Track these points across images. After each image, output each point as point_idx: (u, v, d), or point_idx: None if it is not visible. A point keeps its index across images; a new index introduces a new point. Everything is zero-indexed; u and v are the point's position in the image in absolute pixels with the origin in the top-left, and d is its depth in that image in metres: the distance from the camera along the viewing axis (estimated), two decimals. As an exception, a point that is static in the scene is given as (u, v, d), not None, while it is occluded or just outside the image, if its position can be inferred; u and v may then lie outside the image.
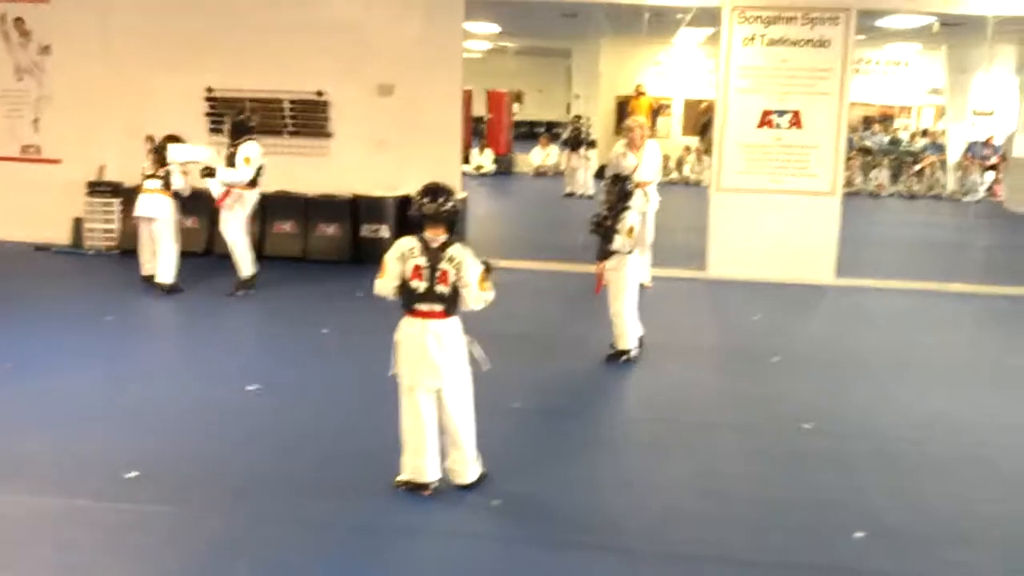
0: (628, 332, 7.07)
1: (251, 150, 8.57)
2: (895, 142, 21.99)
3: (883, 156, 20.62)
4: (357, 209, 10.47)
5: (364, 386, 6.17)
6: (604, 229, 6.92)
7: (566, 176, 18.32)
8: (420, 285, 4.61)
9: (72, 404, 5.88)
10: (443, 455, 4.78)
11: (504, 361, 6.93)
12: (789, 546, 4.40)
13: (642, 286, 9.56)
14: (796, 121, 10.15)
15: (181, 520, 4.44)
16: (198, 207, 9.71)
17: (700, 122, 19.86)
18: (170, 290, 8.66)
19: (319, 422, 5.76)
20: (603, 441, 5.66)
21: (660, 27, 17.33)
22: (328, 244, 10.45)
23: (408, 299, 4.64)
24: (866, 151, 20.80)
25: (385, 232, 10.32)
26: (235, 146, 8.57)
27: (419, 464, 4.70)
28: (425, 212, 4.64)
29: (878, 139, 22.06)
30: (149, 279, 8.77)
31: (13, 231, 10.82)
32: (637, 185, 9.39)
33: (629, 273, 7.05)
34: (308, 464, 5.13)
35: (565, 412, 6.14)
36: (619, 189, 6.95)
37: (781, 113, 10.17)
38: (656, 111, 20.98)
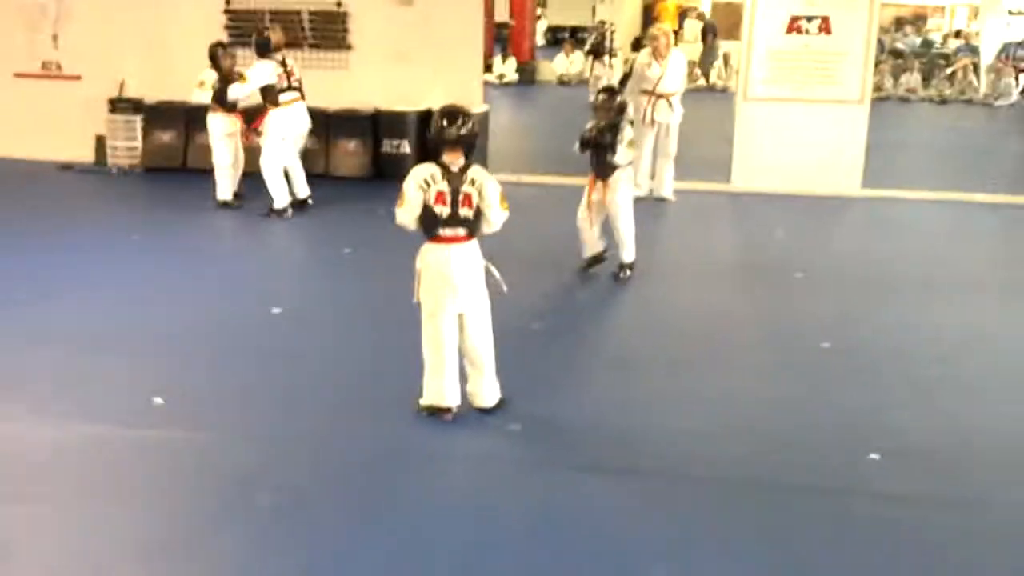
0: (632, 244, 7.09)
1: (254, 69, 8.41)
2: (927, 44, 21.45)
3: (914, 59, 20.12)
4: (378, 124, 10.38)
5: (387, 308, 6.20)
6: (603, 144, 6.82)
7: (590, 85, 17.81)
8: (443, 210, 4.59)
9: (98, 327, 5.95)
10: (464, 379, 4.84)
11: (524, 281, 6.98)
12: (803, 467, 4.42)
13: (665, 200, 9.58)
14: (825, 27, 9.89)
15: (205, 446, 4.53)
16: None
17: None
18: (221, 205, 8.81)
19: (342, 345, 5.82)
20: (622, 362, 5.68)
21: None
22: (349, 160, 10.40)
23: (431, 225, 4.63)
24: (897, 54, 20.30)
25: (406, 148, 10.25)
26: None
27: (440, 389, 4.76)
28: (445, 137, 4.59)
29: (910, 41, 21.51)
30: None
31: (36, 150, 10.83)
32: (660, 96, 9.30)
33: (629, 186, 7.09)
34: (330, 388, 5.20)
35: (585, 333, 6.17)
36: (617, 103, 6.84)
37: (810, 18, 9.91)
38: (683, 15, 20.52)
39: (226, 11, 10.61)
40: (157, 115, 10.61)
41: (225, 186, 8.86)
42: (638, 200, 9.49)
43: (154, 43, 10.40)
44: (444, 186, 4.58)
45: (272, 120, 8.50)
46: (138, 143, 10.63)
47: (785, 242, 8.39)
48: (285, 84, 8.45)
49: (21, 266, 7.17)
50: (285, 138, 8.57)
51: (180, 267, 7.43)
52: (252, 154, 8.88)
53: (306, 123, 8.72)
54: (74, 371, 5.30)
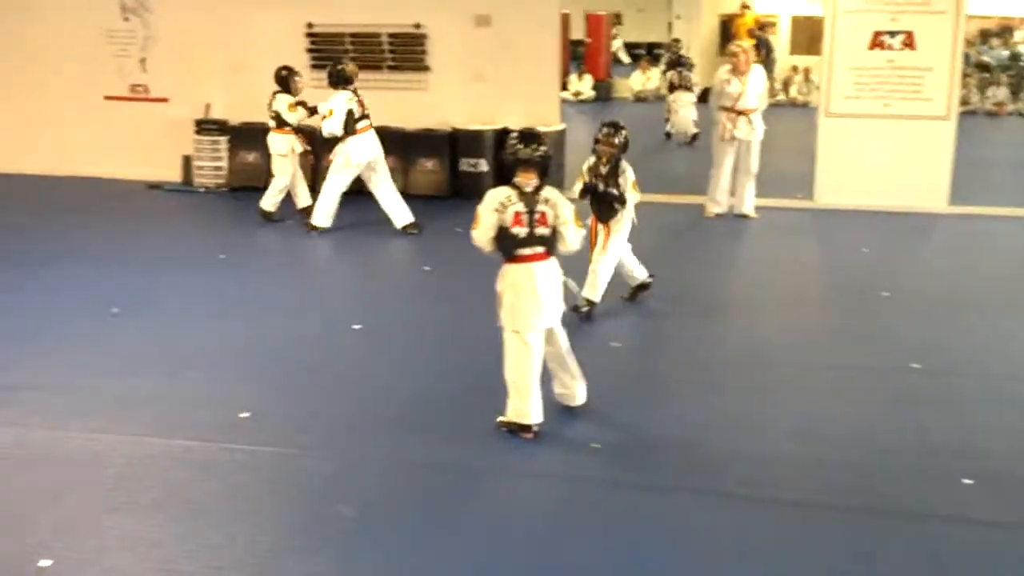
0: (604, 285, 6.51)
1: (335, 101, 8.57)
2: (1015, 56, 20.84)
3: (1001, 72, 19.58)
4: (456, 143, 10.46)
5: (465, 325, 6.26)
6: (607, 194, 6.41)
7: (667, 111, 16.89)
8: (521, 231, 4.67)
9: (186, 342, 6.09)
10: (557, 384, 4.99)
11: (602, 299, 6.97)
12: (895, 492, 4.31)
13: (746, 217, 9.46)
14: (909, 42, 9.69)
15: (288, 460, 4.60)
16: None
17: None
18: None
19: (421, 362, 5.85)
20: (703, 381, 5.60)
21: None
22: (427, 179, 10.48)
23: (510, 246, 4.71)
24: (983, 67, 19.78)
25: (484, 166, 10.30)
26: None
27: (526, 408, 4.76)
28: (520, 157, 4.69)
29: (996, 54, 20.94)
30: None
31: (126, 169, 11.16)
32: (740, 113, 9.20)
33: (626, 224, 6.58)
34: (411, 404, 5.23)
35: (663, 351, 6.10)
36: (621, 140, 6.40)
37: (893, 34, 9.72)
38: (761, 29, 20.30)
39: (308, 34, 10.81)
40: (241, 136, 10.84)
41: (275, 200, 9.13)
42: (718, 217, 9.47)
43: (238, 66, 10.63)
44: (520, 207, 4.67)
45: (349, 147, 8.62)
46: (224, 163, 10.89)
47: (870, 260, 8.22)
48: (360, 112, 8.58)
49: (114, 282, 7.37)
50: (359, 164, 8.68)
51: (265, 284, 7.56)
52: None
53: (379, 148, 8.82)
54: (162, 385, 5.42)
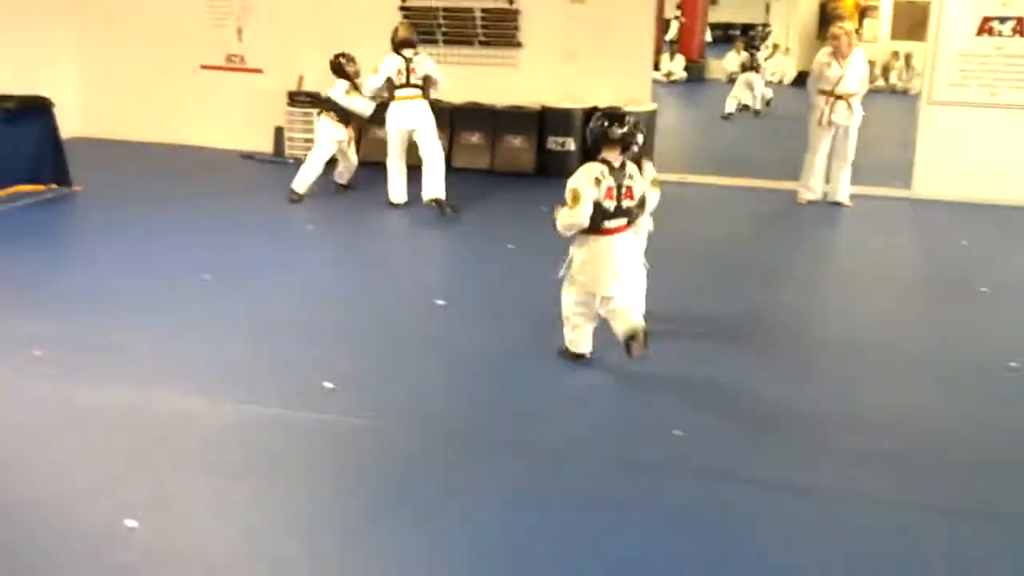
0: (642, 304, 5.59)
1: (383, 63, 8.62)
2: None
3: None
4: (544, 121, 10.40)
5: (547, 303, 6.21)
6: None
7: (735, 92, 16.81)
8: (611, 204, 4.98)
9: (273, 312, 6.16)
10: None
11: (688, 282, 6.87)
12: (992, 493, 4.15)
13: (840, 204, 9.21)
14: (1020, 29, 9.29)
15: (374, 433, 4.61)
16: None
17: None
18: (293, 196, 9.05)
19: (503, 340, 5.82)
20: (790, 373, 5.47)
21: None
22: (514, 156, 10.45)
23: (598, 219, 4.97)
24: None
25: (571, 145, 10.22)
26: None
27: (577, 338, 5.32)
28: (609, 136, 4.96)
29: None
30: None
31: (220, 139, 11.38)
32: (840, 97, 8.94)
33: (643, 235, 5.70)
34: (491, 383, 5.22)
35: (749, 340, 5.96)
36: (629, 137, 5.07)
37: (1003, 20, 9.33)
38: (863, 13, 19.76)
39: (402, 7, 10.83)
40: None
41: (307, 181, 9.05)
42: (811, 204, 9.24)
43: (332, 39, 10.69)
44: (611, 181, 4.96)
45: (389, 114, 8.72)
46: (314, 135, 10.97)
47: (970, 253, 7.93)
48: (404, 80, 8.56)
49: (205, 249, 7.51)
50: (390, 131, 8.72)
51: (351, 257, 7.62)
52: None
53: (418, 120, 8.64)
54: (249, 354, 5.50)
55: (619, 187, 4.96)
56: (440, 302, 6.38)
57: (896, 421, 4.84)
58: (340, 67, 9.02)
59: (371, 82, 8.67)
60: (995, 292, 6.82)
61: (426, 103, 8.65)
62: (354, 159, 9.39)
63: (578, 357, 5.35)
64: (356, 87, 8.96)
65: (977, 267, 7.48)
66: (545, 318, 5.97)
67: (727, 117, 15.46)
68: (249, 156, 11.11)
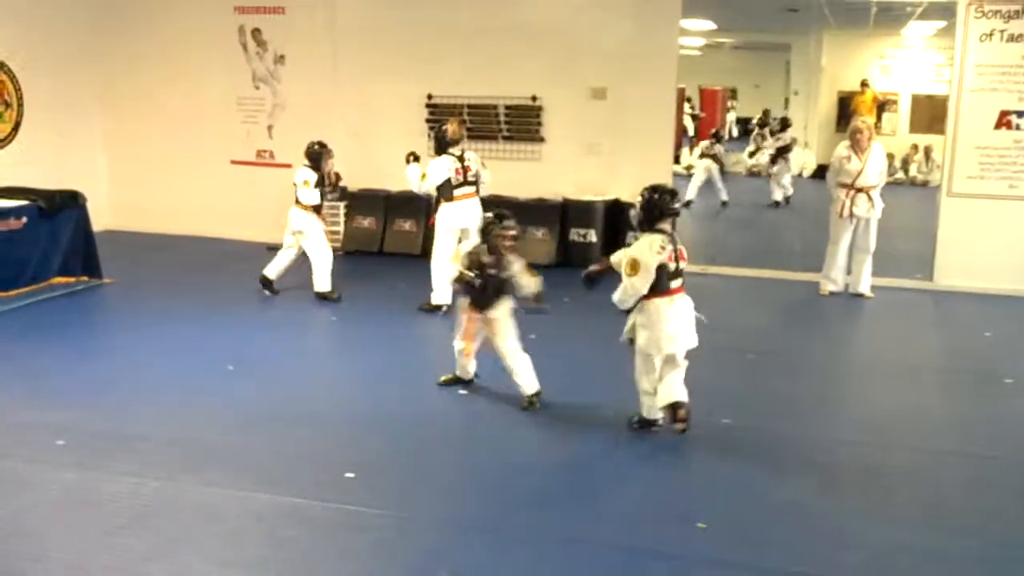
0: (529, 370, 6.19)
1: (433, 165, 8.44)
2: None
3: None
4: (566, 213, 10.55)
5: (574, 394, 6.24)
6: (492, 278, 6.09)
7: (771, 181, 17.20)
8: (672, 266, 5.48)
9: (298, 402, 6.20)
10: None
11: (714, 374, 6.86)
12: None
13: (862, 296, 9.22)
14: (1038, 122, 9.42)
15: (394, 524, 4.60)
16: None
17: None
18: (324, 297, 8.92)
19: (520, 431, 5.84)
20: (817, 465, 5.42)
21: (888, 20, 16.52)
22: (537, 247, 10.52)
23: (662, 282, 5.46)
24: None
25: (593, 237, 10.36)
26: None
27: (652, 403, 5.62)
28: (671, 208, 5.58)
29: None
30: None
31: (248, 232, 11.57)
32: (860, 190, 9.01)
33: (509, 319, 6.20)
34: (514, 472, 5.21)
35: (776, 432, 5.93)
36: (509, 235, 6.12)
37: (1020, 114, 9.44)
38: (881, 107, 20.01)
39: (428, 104, 11.10)
40: (359, 202, 11.17)
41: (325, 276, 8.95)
42: (833, 295, 9.25)
43: (360, 134, 10.97)
44: (670, 248, 5.49)
45: (444, 214, 8.47)
46: (340, 228, 11.18)
47: (993, 344, 7.89)
48: (461, 179, 8.43)
49: (231, 341, 7.59)
50: (453, 230, 8.46)
51: (376, 348, 7.67)
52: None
53: (477, 218, 8.21)
54: (272, 443, 5.52)
55: (676, 251, 5.51)
56: (462, 392, 6.40)
57: (923, 513, 4.79)
58: (317, 157, 8.90)
59: (423, 185, 8.43)
60: (1019, 383, 6.77)
61: (479, 201, 8.49)
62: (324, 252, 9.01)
63: (653, 423, 5.70)
64: (321, 181, 8.84)
65: (1000, 358, 7.45)
66: (563, 408, 6.01)
67: (687, 205, 15.52)
68: (275, 248, 11.24)
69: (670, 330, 5.47)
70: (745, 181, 20.13)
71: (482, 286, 6.07)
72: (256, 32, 11.70)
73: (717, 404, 6.15)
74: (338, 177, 9.18)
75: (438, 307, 8.56)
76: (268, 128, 11.83)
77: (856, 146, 9.04)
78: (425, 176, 8.45)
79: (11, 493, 4.86)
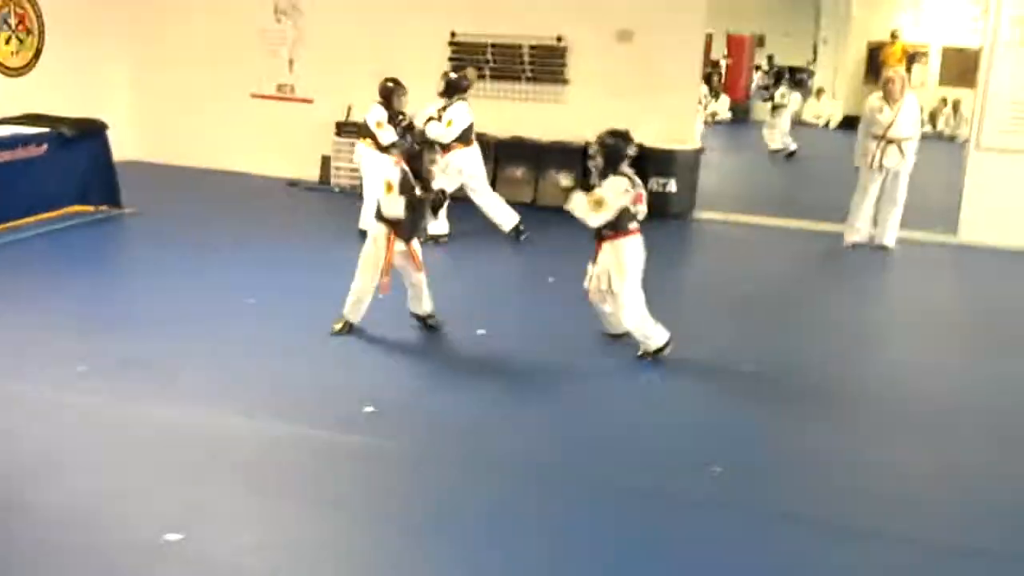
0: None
1: (457, 111, 8.52)
2: None
3: None
4: (587, 157, 10.42)
5: (584, 338, 6.23)
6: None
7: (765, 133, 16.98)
8: (632, 209, 5.73)
9: (315, 336, 6.20)
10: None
11: (735, 324, 6.84)
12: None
13: (885, 248, 9.13)
14: (1072, 76, 9.23)
15: (413, 457, 4.63)
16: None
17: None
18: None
19: (541, 369, 5.85)
20: (834, 418, 5.39)
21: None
22: (558, 190, 10.47)
23: (627, 221, 5.73)
24: None
25: (616, 180, 10.25)
26: (445, 107, 8.59)
27: (656, 333, 5.86)
28: (631, 153, 5.81)
29: None
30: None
31: (268, 166, 11.54)
32: (891, 141, 8.89)
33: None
34: (527, 410, 5.23)
35: (797, 384, 5.89)
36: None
37: (1056, 67, 9.26)
38: (911, 59, 19.70)
39: (451, 42, 10.96)
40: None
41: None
42: (856, 247, 9.17)
43: (381, 71, 10.84)
44: (634, 191, 5.71)
45: (468, 157, 8.68)
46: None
47: (1017, 301, 7.81)
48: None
49: (249, 274, 7.58)
50: (471, 175, 8.73)
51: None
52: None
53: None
54: (293, 376, 5.53)
55: (636, 195, 5.74)
56: (481, 331, 6.40)
57: (942, 468, 4.77)
58: (389, 95, 8.74)
59: (444, 134, 8.44)
60: (1043, 340, 6.73)
61: None
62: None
63: (664, 348, 5.87)
64: (392, 119, 8.65)
65: (1022, 315, 7.37)
66: (582, 346, 6.00)
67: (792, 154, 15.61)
68: (294, 184, 11.25)
69: (639, 264, 5.78)
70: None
71: (414, 212, 5.99)
72: (278, -38, 11.56)
73: (736, 353, 6.14)
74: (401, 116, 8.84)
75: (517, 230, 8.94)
76: (289, 62, 11.72)
77: (888, 96, 8.90)
78: (451, 123, 8.48)
79: (36, 418, 4.89)
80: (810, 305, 7.54)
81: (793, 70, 23.07)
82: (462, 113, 8.56)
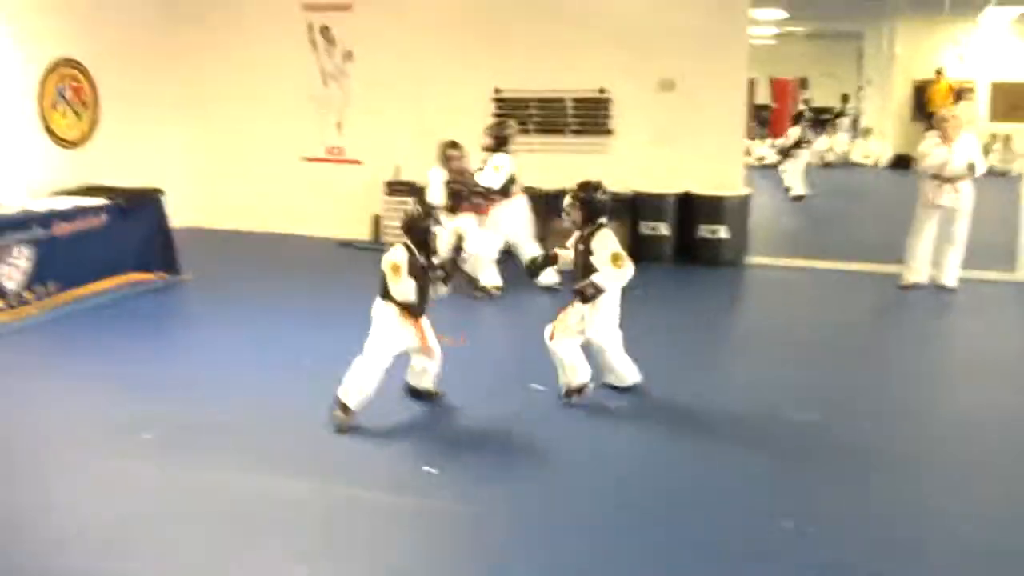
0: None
1: (502, 160, 8.76)
2: None
3: None
4: (636, 206, 10.44)
5: (638, 388, 6.19)
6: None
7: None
8: None
9: (374, 399, 6.22)
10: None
11: (791, 368, 6.76)
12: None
13: (946, 288, 8.97)
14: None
15: (468, 519, 4.61)
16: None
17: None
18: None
19: (595, 423, 5.82)
20: (902, 460, 5.29)
21: (963, 7, 16.11)
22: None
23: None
24: None
25: (664, 229, 10.24)
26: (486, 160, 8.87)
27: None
28: (609, 205, 6.05)
29: None
30: None
31: (320, 228, 11.70)
32: (946, 180, 8.80)
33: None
34: (585, 466, 5.19)
35: (857, 427, 5.80)
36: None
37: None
38: (957, 95, 19.53)
39: (495, 98, 11.09)
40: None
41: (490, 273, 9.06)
42: (916, 287, 9.04)
43: (427, 130, 11.00)
44: None
45: (506, 211, 8.82)
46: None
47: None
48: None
49: (305, 336, 7.65)
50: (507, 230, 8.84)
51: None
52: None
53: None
54: (355, 437, 5.54)
55: None
56: (537, 387, 6.37)
57: (1012, 516, 4.65)
58: (449, 157, 8.92)
59: (493, 179, 8.68)
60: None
61: None
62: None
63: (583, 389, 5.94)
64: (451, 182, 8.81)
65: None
66: (634, 400, 5.96)
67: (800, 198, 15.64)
68: (346, 244, 11.39)
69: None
70: (817, 172, 19.78)
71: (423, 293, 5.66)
72: (325, 29, 11.79)
73: (790, 398, 6.06)
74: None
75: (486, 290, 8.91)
76: (337, 125, 11.93)
77: (944, 136, 8.85)
78: (499, 168, 8.67)
79: (102, 488, 4.96)
80: (869, 350, 7.41)
81: (817, 111, 22.96)
82: (508, 162, 8.77)
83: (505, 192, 8.83)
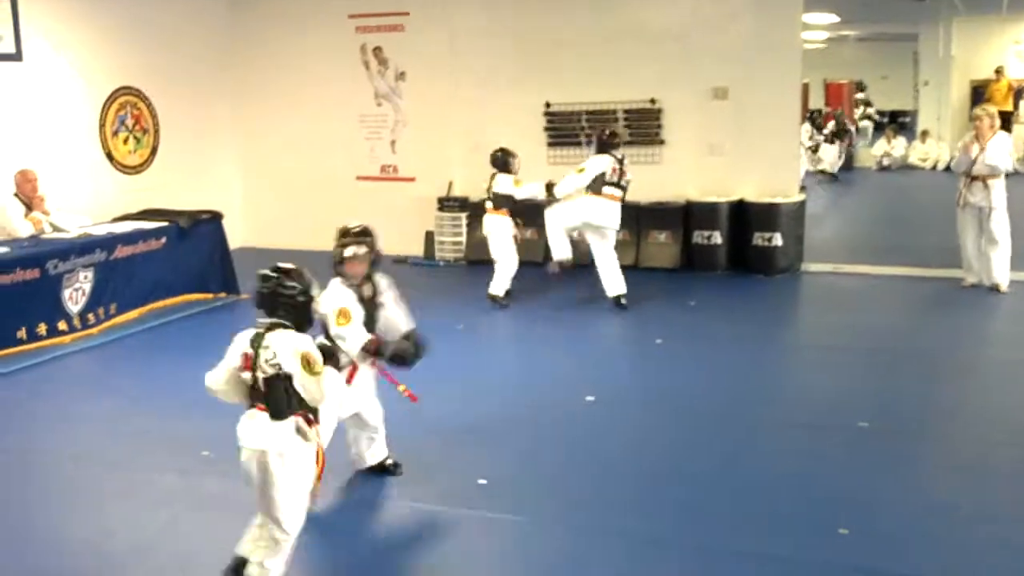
0: None
1: (594, 161, 8.71)
2: None
3: None
4: (689, 215, 10.41)
5: (700, 399, 6.16)
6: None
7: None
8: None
9: (430, 411, 6.27)
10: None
11: (849, 377, 6.68)
12: None
13: (997, 289, 8.81)
14: None
15: (526, 529, 4.64)
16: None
17: None
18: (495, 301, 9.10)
19: (652, 435, 5.81)
20: (958, 467, 5.21)
21: (1022, 4, 15.80)
22: (660, 251, 10.47)
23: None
24: None
25: (718, 239, 10.18)
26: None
27: None
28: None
29: None
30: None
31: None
32: (974, 179, 8.69)
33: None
34: (641, 479, 5.19)
35: (915, 433, 5.72)
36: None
37: None
38: (1018, 94, 19.15)
39: (546, 112, 11.14)
40: (479, 212, 11.23)
41: (502, 282, 9.14)
42: (968, 287, 8.90)
43: (479, 145, 11.09)
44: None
45: (580, 204, 8.67)
46: (463, 238, 11.33)
47: None
48: (615, 179, 8.61)
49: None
50: (583, 223, 8.71)
51: (502, 355, 7.73)
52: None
53: (612, 220, 8.67)
54: (408, 450, 5.60)
55: None
56: (590, 398, 6.39)
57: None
58: (504, 161, 9.17)
59: (578, 180, 8.63)
60: None
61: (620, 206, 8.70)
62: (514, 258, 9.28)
63: None
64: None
65: None
66: (694, 411, 5.93)
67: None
68: (402, 260, 11.49)
69: None
70: (876, 175, 19.57)
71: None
72: (377, 50, 11.95)
73: (850, 407, 6.00)
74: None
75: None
76: (391, 143, 12.07)
77: (976, 133, 8.76)
78: (583, 170, 8.64)
79: (162, 505, 5.08)
80: (925, 354, 7.30)
81: (895, 114, 22.65)
82: (598, 162, 8.67)
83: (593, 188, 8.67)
